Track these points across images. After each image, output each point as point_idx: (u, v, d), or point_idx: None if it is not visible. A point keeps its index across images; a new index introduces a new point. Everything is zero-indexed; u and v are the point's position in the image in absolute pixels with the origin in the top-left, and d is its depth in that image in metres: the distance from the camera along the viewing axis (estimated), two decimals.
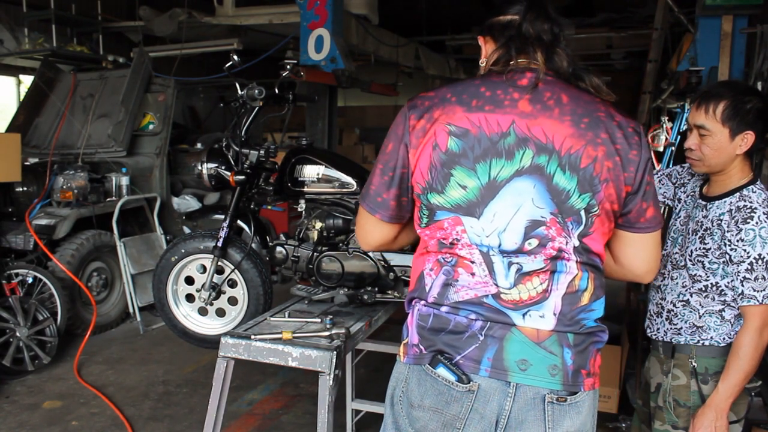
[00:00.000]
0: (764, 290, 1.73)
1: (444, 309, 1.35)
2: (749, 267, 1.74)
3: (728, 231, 1.77)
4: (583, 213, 1.30)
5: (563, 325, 1.33)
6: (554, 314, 1.32)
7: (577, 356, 1.33)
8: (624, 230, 1.40)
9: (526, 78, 1.33)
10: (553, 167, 1.28)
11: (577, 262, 1.33)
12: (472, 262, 1.33)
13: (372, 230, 1.49)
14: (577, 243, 1.32)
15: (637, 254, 1.43)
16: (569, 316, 1.33)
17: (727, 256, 1.78)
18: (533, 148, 1.28)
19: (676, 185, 2.06)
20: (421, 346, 1.37)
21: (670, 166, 2.17)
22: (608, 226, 1.35)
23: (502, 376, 1.31)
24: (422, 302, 1.39)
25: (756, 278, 1.73)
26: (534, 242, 1.31)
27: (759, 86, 4.10)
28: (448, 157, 1.30)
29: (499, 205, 1.30)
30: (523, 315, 1.32)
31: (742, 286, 1.76)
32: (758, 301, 1.74)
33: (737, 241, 1.75)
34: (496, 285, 1.32)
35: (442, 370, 1.33)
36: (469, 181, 1.30)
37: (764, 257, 1.72)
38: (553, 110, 1.30)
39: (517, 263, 1.32)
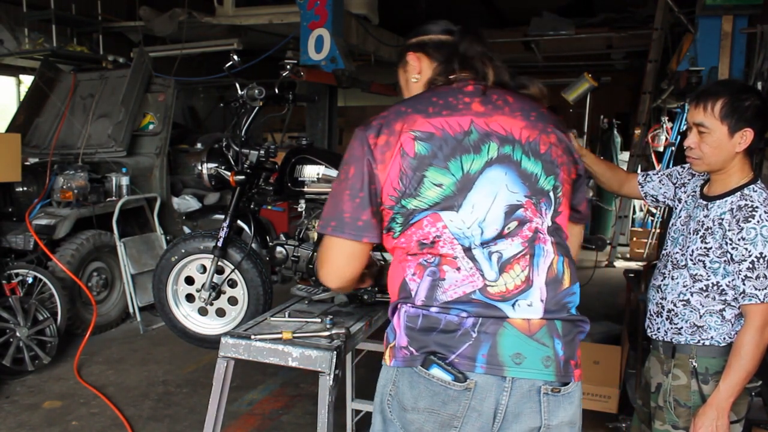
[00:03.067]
0: (765, 289, 1.73)
1: (433, 309, 1.36)
2: (750, 266, 1.74)
3: (729, 230, 1.77)
4: (551, 194, 1.40)
5: (551, 312, 1.36)
6: (541, 301, 1.36)
7: (566, 347, 1.37)
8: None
9: (471, 85, 1.43)
10: (519, 155, 1.38)
11: (552, 243, 1.39)
12: (455, 258, 1.35)
13: (351, 260, 1.44)
14: (550, 223, 1.40)
15: (572, 244, 1.52)
16: (555, 301, 1.37)
17: (729, 255, 1.78)
18: (496, 140, 1.37)
19: (677, 185, 2.06)
20: (411, 348, 1.37)
21: (670, 166, 2.18)
22: (569, 207, 1.47)
23: (497, 372, 1.32)
24: (409, 304, 1.40)
25: (757, 277, 1.73)
26: (513, 225, 1.37)
27: (759, 86, 4.10)
28: (419, 161, 1.35)
29: (476, 196, 1.35)
30: (513, 306, 1.35)
31: (744, 284, 1.76)
32: (759, 299, 1.74)
33: (738, 239, 1.75)
34: (483, 277, 1.35)
35: (436, 371, 1.33)
36: (444, 178, 1.35)
37: (765, 256, 1.72)
38: (503, 108, 1.41)
39: (497, 251, 1.35)
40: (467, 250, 1.35)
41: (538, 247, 1.37)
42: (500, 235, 1.35)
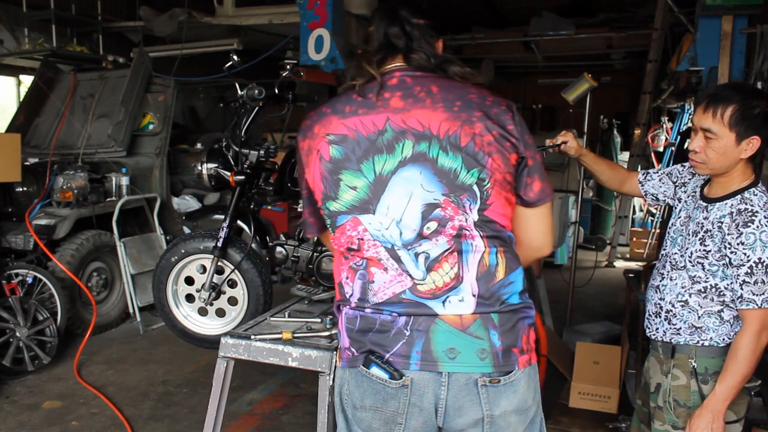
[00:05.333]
0: (763, 294, 1.73)
1: (368, 310, 1.38)
2: (749, 271, 1.73)
3: (729, 234, 1.76)
4: (476, 187, 1.34)
5: (485, 306, 1.35)
6: (473, 296, 1.35)
7: (504, 336, 1.36)
8: (518, 207, 1.44)
9: (395, 77, 1.39)
10: (435, 151, 1.33)
11: (481, 237, 1.36)
12: (380, 260, 1.37)
13: (325, 243, 1.67)
14: (476, 217, 1.35)
15: (533, 228, 1.46)
16: (488, 295, 1.36)
17: (727, 259, 1.78)
18: (412, 138, 1.34)
19: (677, 184, 2.06)
20: (353, 349, 1.40)
21: (670, 166, 2.17)
22: (506, 196, 1.39)
23: (432, 368, 1.34)
24: (347, 306, 1.43)
25: (755, 282, 1.73)
26: (433, 225, 1.34)
27: (759, 86, 4.10)
28: (333, 165, 1.36)
29: (390, 197, 1.35)
30: (443, 302, 1.35)
31: (742, 289, 1.75)
32: (757, 305, 1.74)
33: (737, 244, 1.75)
34: (411, 277, 1.35)
35: (375, 370, 1.36)
36: (357, 181, 1.35)
37: (764, 261, 1.72)
38: (424, 101, 1.35)
39: (423, 252, 1.35)
40: (391, 251, 1.36)
41: (465, 244, 1.35)
42: (421, 236, 1.34)
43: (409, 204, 1.34)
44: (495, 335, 1.35)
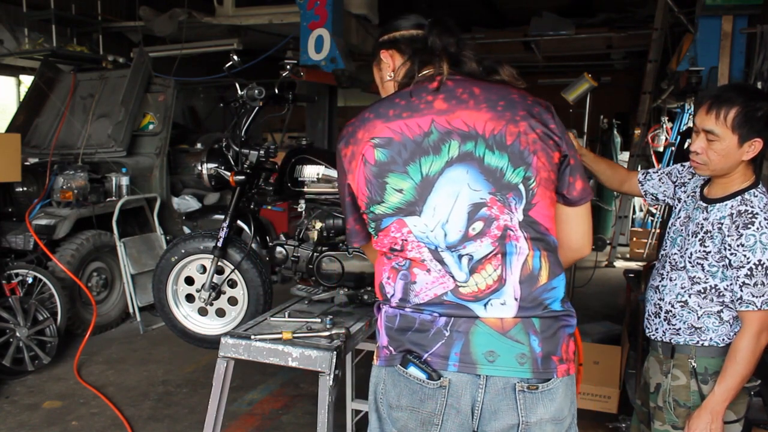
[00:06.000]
0: (763, 296, 1.73)
1: (408, 309, 1.38)
2: (749, 273, 1.73)
3: (728, 235, 1.76)
4: (522, 186, 1.34)
5: (526, 310, 1.34)
6: (515, 299, 1.34)
7: (545, 342, 1.35)
8: (560, 206, 1.44)
9: (437, 81, 1.40)
10: (482, 150, 1.33)
11: (526, 238, 1.35)
12: (424, 260, 1.36)
13: (369, 255, 1.64)
14: (522, 217, 1.35)
15: (574, 228, 1.46)
16: (530, 299, 1.35)
17: (727, 260, 1.78)
18: (458, 138, 1.34)
19: (676, 184, 2.06)
20: (391, 347, 1.40)
21: (670, 165, 2.17)
22: (551, 196, 1.39)
23: (471, 370, 1.33)
24: (388, 305, 1.43)
25: (755, 284, 1.73)
26: (479, 225, 1.34)
27: (759, 86, 4.10)
28: (379, 168, 1.36)
29: (437, 198, 1.34)
30: (485, 305, 1.34)
31: (741, 291, 1.75)
32: (757, 306, 1.74)
33: (737, 246, 1.74)
34: (453, 279, 1.35)
35: (413, 370, 1.35)
36: (404, 183, 1.35)
37: (764, 263, 1.72)
38: (468, 102, 1.36)
39: (467, 254, 1.35)
40: (435, 253, 1.36)
41: (509, 245, 1.34)
42: (466, 237, 1.34)
43: (455, 204, 1.33)
44: (535, 341, 1.34)
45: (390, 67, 1.53)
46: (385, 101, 1.42)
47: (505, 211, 1.34)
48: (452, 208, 1.34)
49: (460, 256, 1.35)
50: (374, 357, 1.46)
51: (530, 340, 1.34)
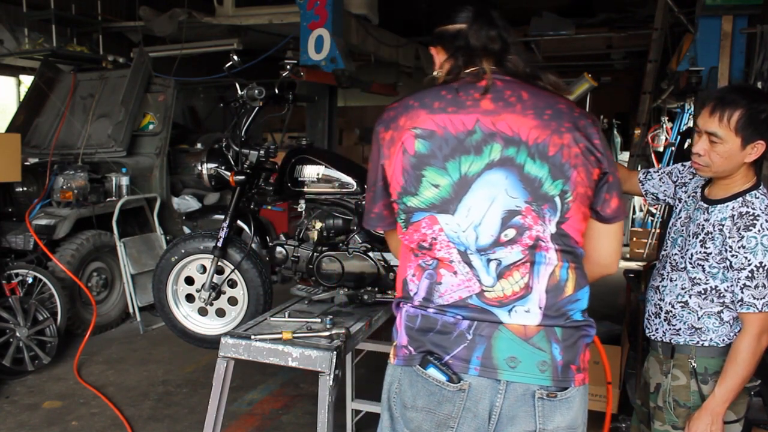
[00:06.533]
0: (764, 298, 1.73)
1: (431, 310, 1.37)
2: (750, 275, 1.73)
3: (730, 237, 1.76)
4: (558, 199, 1.32)
5: (550, 319, 1.34)
6: (540, 308, 1.34)
7: (565, 351, 1.34)
8: (593, 221, 1.42)
9: (484, 80, 1.36)
10: (523, 157, 1.31)
11: (556, 250, 1.34)
12: (452, 262, 1.35)
13: (392, 243, 1.59)
14: (554, 230, 1.33)
15: (604, 245, 1.45)
16: (555, 309, 1.34)
17: (728, 262, 1.77)
18: (501, 141, 1.31)
19: (677, 184, 2.05)
20: (410, 348, 1.38)
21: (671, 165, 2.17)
22: (584, 212, 1.37)
23: (491, 375, 1.32)
24: (409, 304, 1.41)
25: (756, 286, 1.73)
26: (511, 232, 1.32)
27: (759, 86, 4.10)
28: (418, 159, 1.33)
29: (472, 199, 1.32)
30: (509, 311, 1.34)
31: (742, 293, 1.75)
32: (758, 309, 1.74)
33: (738, 247, 1.74)
34: (480, 283, 1.34)
35: (432, 371, 1.34)
36: (441, 179, 1.33)
37: (765, 265, 1.72)
38: (515, 106, 1.33)
39: (496, 259, 1.33)
40: (464, 255, 1.34)
41: (539, 255, 1.33)
42: (497, 243, 1.32)
43: (490, 208, 1.31)
44: (557, 349, 1.33)
45: (437, 64, 1.49)
46: (432, 91, 1.38)
47: (538, 222, 1.32)
48: (487, 212, 1.32)
49: (488, 260, 1.33)
50: (390, 356, 1.44)
51: (552, 348, 1.33)
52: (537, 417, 1.33)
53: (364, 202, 1.50)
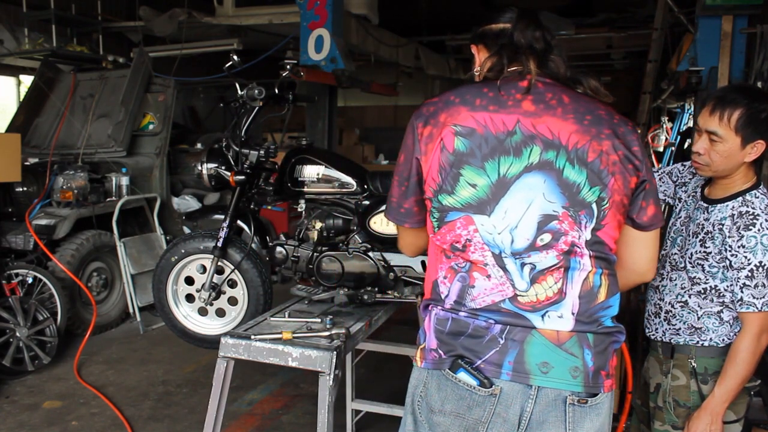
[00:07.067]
0: (764, 297, 1.73)
1: (462, 313, 1.35)
2: (749, 274, 1.73)
3: (729, 236, 1.76)
4: (594, 206, 1.30)
5: (582, 325, 1.33)
6: (572, 314, 1.33)
7: (597, 357, 1.33)
8: (629, 228, 1.40)
9: (526, 80, 1.34)
10: (562, 162, 1.29)
11: (590, 256, 1.33)
12: (486, 265, 1.33)
13: (407, 239, 1.56)
14: (589, 236, 1.32)
15: (640, 252, 1.43)
16: (587, 315, 1.33)
17: (728, 262, 1.77)
18: (540, 144, 1.29)
19: (677, 184, 2.06)
20: (440, 351, 1.37)
21: (671, 165, 2.17)
22: (619, 219, 1.36)
23: (523, 380, 1.31)
24: (439, 307, 1.39)
25: (756, 285, 1.73)
26: (547, 237, 1.31)
27: (759, 86, 4.10)
28: (456, 157, 1.31)
29: (510, 201, 1.30)
30: (542, 316, 1.32)
31: (742, 292, 1.75)
32: (757, 308, 1.74)
33: (738, 247, 1.74)
34: (513, 287, 1.32)
35: (463, 375, 1.33)
36: (479, 179, 1.31)
37: (765, 265, 1.72)
38: (556, 109, 1.32)
39: (530, 263, 1.32)
40: (498, 258, 1.32)
41: (573, 260, 1.32)
42: (533, 247, 1.31)
43: (527, 212, 1.30)
44: (589, 355, 1.33)
45: (477, 62, 1.48)
46: (473, 88, 1.36)
47: (574, 227, 1.31)
48: (523, 215, 1.30)
49: (522, 264, 1.32)
50: (417, 358, 1.42)
51: (584, 354, 1.33)
52: (567, 423, 1.32)
53: (390, 194, 1.45)
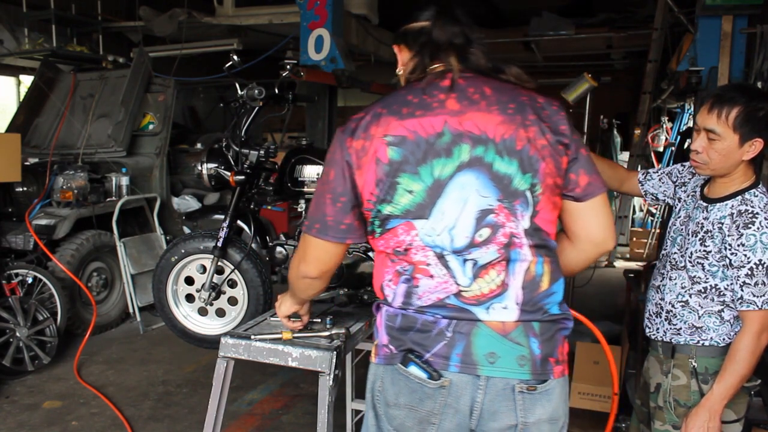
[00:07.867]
0: (764, 296, 1.73)
1: (410, 310, 1.38)
2: (749, 272, 1.74)
3: (729, 235, 1.76)
4: (528, 193, 1.33)
5: (527, 314, 1.35)
6: (517, 304, 1.35)
7: (543, 345, 1.36)
8: (570, 202, 1.40)
9: (448, 79, 1.36)
10: (491, 155, 1.31)
11: (530, 246, 1.35)
12: (428, 265, 1.35)
13: (333, 256, 1.47)
14: (528, 225, 1.34)
15: (590, 221, 1.42)
16: (531, 304, 1.36)
17: (727, 260, 1.78)
18: (469, 141, 1.32)
19: (677, 184, 2.06)
20: (391, 346, 1.40)
21: (670, 165, 2.18)
22: (554, 201, 1.38)
23: (471, 371, 1.34)
24: (388, 305, 1.42)
25: (756, 284, 1.73)
26: (486, 232, 1.33)
27: (759, 86, 4.10)
28: (392, 167, 1.32)
29: (446, 202, 1.32)
30: (487, 309, 1.35)
31: (742, 291, 1.76)
32: (757, 306, 1.74)
33: (738, 245, 1.75)
34: (456, 283, 1.35)
35: (413, 369, 1.36)
36: (415, 185, 1.32)
37: (764, 263, 1.72)
38: (479, 103, 1.33)
39: (472, 259, 1.34)
40: (440, 257, 1.35)
41: (514, 252, 1.34)
42: (472, 244, 1.33)
43: (464, 210, 1.32)
44: (535, 343, 1.35)
45: (400, 62, 1.50)
46: (398, 97, 1.37)
47: (511, 218, 1.33)
48: (460, 214, 1.32)
49: (464, 261, 1.34)
50: (372, 355, 1.45)
51: (530, 343, 1.35)
52: (518, 411, 1.35)
53: (321, 214, 1.40)
